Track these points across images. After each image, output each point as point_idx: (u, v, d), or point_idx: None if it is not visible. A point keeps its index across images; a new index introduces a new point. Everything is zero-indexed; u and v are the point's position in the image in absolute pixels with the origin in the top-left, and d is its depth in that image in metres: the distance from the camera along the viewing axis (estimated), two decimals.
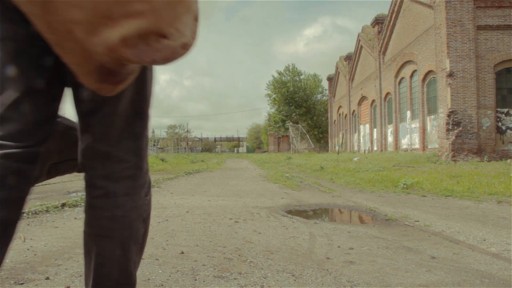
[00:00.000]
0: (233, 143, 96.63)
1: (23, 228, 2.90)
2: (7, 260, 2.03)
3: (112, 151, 0.93)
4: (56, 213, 3.61)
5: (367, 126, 24.59)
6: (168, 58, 0.75)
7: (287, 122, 42.17)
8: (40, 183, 1.19)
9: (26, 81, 0.84)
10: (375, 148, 22.75)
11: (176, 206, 4.24)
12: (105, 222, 0.93)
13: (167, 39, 0.72)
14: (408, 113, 17.53)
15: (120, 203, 0.93)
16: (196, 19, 0.80)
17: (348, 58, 29.45)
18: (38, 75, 0.85)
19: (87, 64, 0.74)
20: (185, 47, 0.77)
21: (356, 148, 27.55)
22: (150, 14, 0.69)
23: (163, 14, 0.70)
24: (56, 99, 0.92)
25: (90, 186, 0.96)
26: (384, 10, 20.23)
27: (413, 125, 17.11)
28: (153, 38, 0.71)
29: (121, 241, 0.93)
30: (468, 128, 12.31)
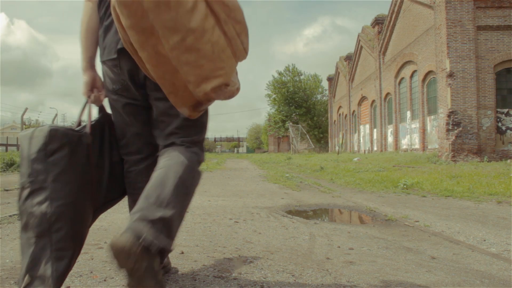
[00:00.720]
0: (233, 143, 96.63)
1: None
2: (7, 260, 2.03)
3: (180, 133, 1.48)
4: None
5: (367, 126, 24.60)
6: (230, 96, 1.36)
7: (287, 122, 42.16)
8: None
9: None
10: (375, 148, 22.75)
11: None
12: (165, 160, 1.39)
13: (229, 86, 1.33)
14: (408, 113, 17.54)
15: (178, 152, 1.41)
16: (236, 73, 1.43)
17: (348, 58, 29.44)
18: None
19: (189, 101, 1.33)
20: (238, 90, 1.40)
21: (356, 148, 27.55)
22: (225, 76, 1.30)
23: (229, 75, 1.32)
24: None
25: (166, 147, 1.48)
26: (384, 10, 20.27)
27: (413, 125, 17.12)
28: (223, 87, 1.30)
29: (173, 171, 1.32)
30: (468, 128, 12.31)
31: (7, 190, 5.62)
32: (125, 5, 1.20)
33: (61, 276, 1.20)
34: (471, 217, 3.66)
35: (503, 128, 12.81)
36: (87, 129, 1.42)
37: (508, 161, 11.36)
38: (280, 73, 45.11)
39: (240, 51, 1.36)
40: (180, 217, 1.29)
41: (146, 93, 1.49)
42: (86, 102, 1.49)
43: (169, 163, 1.35)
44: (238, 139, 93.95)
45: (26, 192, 1.27)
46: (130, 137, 1.55)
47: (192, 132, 1.49)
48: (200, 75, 1.26)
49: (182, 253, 2.21)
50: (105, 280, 1.72)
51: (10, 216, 3.29)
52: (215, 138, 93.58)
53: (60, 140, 1.30)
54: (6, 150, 26.27)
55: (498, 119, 12.80)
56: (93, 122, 1.47)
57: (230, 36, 1.30)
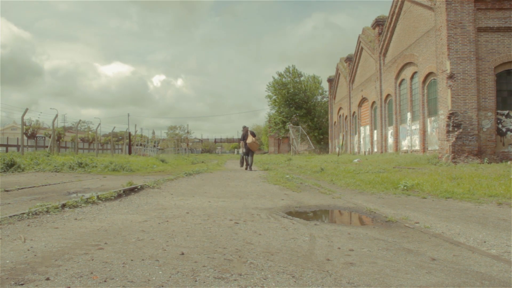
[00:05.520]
0: (234, 144, 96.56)
1: (23, 229, 2.90)
2: (7, 260, 2.04)
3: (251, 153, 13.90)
4: (56, 213, 3.61)
5: (368, 127, 24.60)
6: (256, 149, 14.26)
7: (287, 123, 42.15)
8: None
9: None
10: (375, 150, 22.75)
11: (176, 207, 4.25)
12: (249, 158, 13.76)
13: (257, 148, 14.06)
14: (409, 114, 17.54)
15: (251, 156, 13.81)
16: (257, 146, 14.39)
17: (348, 59, 29.45)
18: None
19: (255, 149, 13.85)
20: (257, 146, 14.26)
21: (356, 150, 27.55)
22: (256, 147, 14.20)
23: (256, 148, 14.58)
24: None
25: (247, 155, 13.89)
26: (383, 10, 20.26)
27: (413, 127, 17.12)
28: (257, 149, 14.38)
29: (251, 159, 13.76)
30: (469, 130, 12.31)
31: (7, 191, 5.61)
32: (250, 145, 13.51)
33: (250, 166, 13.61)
34: (472, 219, 3.66)
35: (504, 129, 12.81)
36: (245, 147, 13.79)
37: (509, 162, 11.35)
38: (280, 74, 45.08)
39: (258, 145, 13.72)
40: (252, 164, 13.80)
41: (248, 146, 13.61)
42: (240, 142, 14.63)
43: (251, 159, 13.60)
44: (239, 140, 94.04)
45: (242, 156, 14.30)
46: (246, 148, 13.78)
47: (253, 152, 13.82)
48: (254, 148, 13.62)
49: (182, 254, 2.21)
50: (105, 281, 1.72)
51: (11, 216, 3.29)
52: (215, 139, 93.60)
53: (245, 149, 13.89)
54: (7, 151, 26.28)
55: (498, 121, 12.80)
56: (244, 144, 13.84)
57: (255, 143, 13.49)
